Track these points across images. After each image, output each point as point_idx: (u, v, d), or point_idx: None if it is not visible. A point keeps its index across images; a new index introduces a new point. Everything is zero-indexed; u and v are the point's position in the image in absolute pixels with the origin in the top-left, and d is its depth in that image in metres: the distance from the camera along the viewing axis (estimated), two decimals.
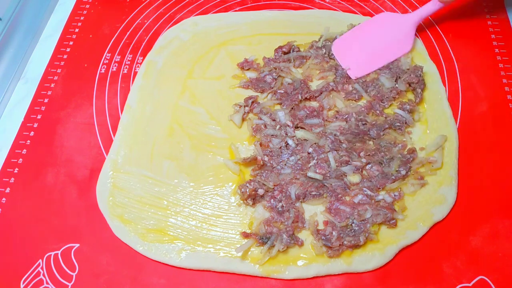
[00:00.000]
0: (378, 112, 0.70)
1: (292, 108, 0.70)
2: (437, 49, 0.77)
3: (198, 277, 0.59)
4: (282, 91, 0.72)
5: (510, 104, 0.71)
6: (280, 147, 0.66)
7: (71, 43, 0.85)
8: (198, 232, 0.62)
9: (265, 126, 0.69)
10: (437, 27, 0.81)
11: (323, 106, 0.71)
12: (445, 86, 0.73)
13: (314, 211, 0.62)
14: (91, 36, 0.86)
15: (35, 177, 0.69)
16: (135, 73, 0.79)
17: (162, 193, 0.66)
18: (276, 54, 0.77)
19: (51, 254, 0.62)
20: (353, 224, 0.59)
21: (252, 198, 0.63)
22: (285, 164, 0.65)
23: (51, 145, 0.72)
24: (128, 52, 0.82)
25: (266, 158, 0.65)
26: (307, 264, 0.58)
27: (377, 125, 0.68)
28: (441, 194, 0.63)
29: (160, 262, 0.60)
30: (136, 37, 0.84)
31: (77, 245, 0.62)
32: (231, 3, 0.87)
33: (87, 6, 0.90)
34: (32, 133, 0.74)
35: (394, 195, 0.62)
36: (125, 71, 0.80)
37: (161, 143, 0.70)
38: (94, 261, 0.61)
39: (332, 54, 0.76)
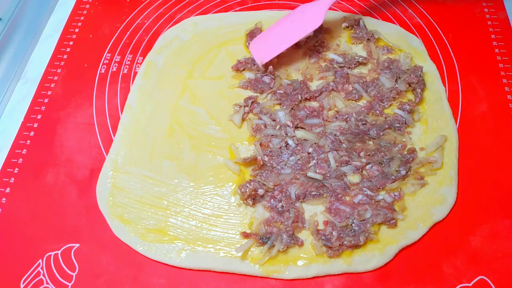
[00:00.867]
0: (378, 112, 0.70)
1: (292, 108, 0.70)
2: (437, 49, 0.77)
3: (198, 277, 0.59)
4: (282, 92, 0.72)
5: (510, 104, 0.71)
6: (280, 147, 0.66)
7: (71, 43, 0.85)
8: (198, 232, 0.62)
9: (265, 126, 0.69)
10: (437, 27, 0.81)
11: (323, 106, 0.71)
12: (445, 86, 0.73)
13: (314, 211, 0.62)
14: (91, 36, 0.86)
15: (35, 177, 0.69)
16: (135, 73, 0.79)
17: (162, 193, 0.66)
18: (249, 40, 0.78)
19: (51, 254, 0.62)
20: (353, 224, 0.59)
21: (252, 198, 0.63)
22: (285, 164, 0.65)
23: (51, 145, 0.72)
24: (128, 52, 0.82)
25: (266, 158, 0.65)
26: (307, 264, 0.58)
27: (377, 125, 0.68)
28: (441, 194, 0.63)
29: (160, 262, 0.60)
30: (136, 37, 0.84)
31: (77, 245, 0.62)
32: (231, 3, 0.87)
33: (87, 6, 0.90)
34: (32, 133, 0.74)
35: (394, 195, 0.62)
36: (125, 71, 0.80)
37: (161, 143, 0.70)
38: (94, 261, 0.61)
39: None
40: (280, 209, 0.62)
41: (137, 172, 0.68)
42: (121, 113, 0.74)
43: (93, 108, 0.76)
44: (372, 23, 0.81)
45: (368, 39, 0.77)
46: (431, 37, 0.79)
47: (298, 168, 0.65)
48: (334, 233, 0.59)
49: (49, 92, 0.78)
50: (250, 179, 0.64)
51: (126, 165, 0.68)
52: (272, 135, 0.68)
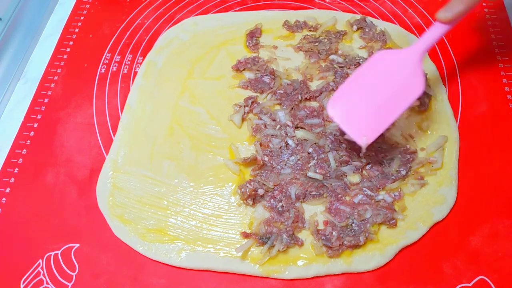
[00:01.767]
0: None
1: (292, 108, 0.70)
2: (437, 49, 0.77)
3: (198, 277, 0.59)
4: (282, 92, 0.72)
5: (510, 104, 0.71)
6: (280, 147, 0.66)
7: (71, 43, 0.85)
8: (198, 232, 0.62)
9: (265, 126, 0.69)
10: None
11: (323, 106, 0.71)
12: (445, 86, 0.73)
13: (314, 211, 0.62)
14: (91, 36, 0.86)
15: (35, 177, 0.69)
16: (135, 73, 0.79)
17: (162, 193, 0.66)
18: (249, 40, 0.78)
19: (51, 254, 0.62)
20: (353, 224, 0.59)
21: (252, 198, 0.63)
22: (285, 164, 0.65)
23: (51, 145, 0.72)
24: (128, 52, 0.82)
25: (266, 158, 0.65)
26: (307, 264, 0.58)
27: None
28: (441, 194, 0.63)
29: (160, 262, 0.60)
30: (136, 37, 0.84)
31: (77, 245, 0.62)
32: (231, 3, 0.87)
33: (87, 6, 0.90)
34: (32, 133, 0.74)
35: (394, 195, 0.62)
36: (125, 71, 0.80)
37: (161, 143, 0.70)
38: (94, 261, 0.61)
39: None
40: (280, 209, 0.62)
41: (137, 172, 0.68)
42: (121, 113, 0.74)
43: (93, 108, 0.76)
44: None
45: (377, 39, 0.77)
46: None
47: (298, 168, 0.64)
48: (334, 233, 0.59)
49: (49, 92, 0.78)
50: (250, 179, 0.64)
51: (126, 165, 0.68)
52: (272, 135, 0.68)
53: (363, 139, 0.59)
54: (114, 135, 0.72)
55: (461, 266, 0.58)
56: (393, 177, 0.63)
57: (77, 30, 0.87)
